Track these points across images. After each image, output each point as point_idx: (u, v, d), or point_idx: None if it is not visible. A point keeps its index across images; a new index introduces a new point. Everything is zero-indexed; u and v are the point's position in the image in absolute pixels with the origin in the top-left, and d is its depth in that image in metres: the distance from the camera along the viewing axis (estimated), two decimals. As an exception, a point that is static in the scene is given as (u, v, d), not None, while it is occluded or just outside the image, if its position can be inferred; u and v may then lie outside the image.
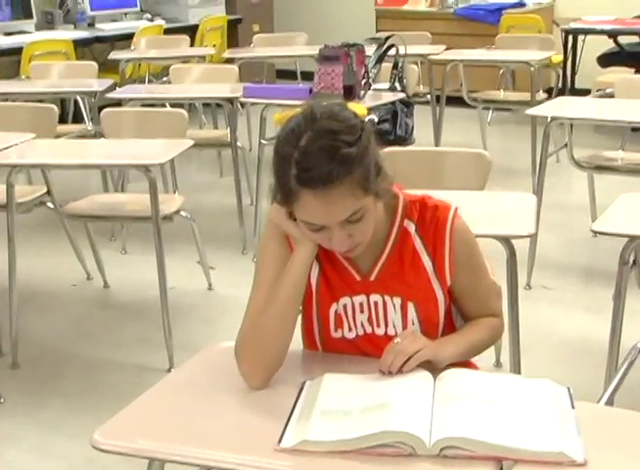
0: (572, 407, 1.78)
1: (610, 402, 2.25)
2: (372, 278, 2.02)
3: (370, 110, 4.67)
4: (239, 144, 5.46)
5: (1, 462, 3.25)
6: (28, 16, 7.57)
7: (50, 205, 4.53)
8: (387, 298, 2.02)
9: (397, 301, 2.02)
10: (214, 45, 7.89)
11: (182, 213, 4.28)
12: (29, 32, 7.49)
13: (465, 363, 2.09)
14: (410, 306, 2.02)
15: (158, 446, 1.76)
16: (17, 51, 6.99)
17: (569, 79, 7.38)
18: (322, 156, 1.81)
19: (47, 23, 7.85)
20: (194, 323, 4.24)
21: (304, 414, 1.76)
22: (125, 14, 8.19)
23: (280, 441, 1.69)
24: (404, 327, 2.02)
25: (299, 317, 2.04)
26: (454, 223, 2.02)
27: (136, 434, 1.80)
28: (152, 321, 3.99)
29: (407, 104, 5.26)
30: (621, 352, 2.99)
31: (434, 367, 1.89)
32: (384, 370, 1.85)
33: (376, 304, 2.02)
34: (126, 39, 7.61)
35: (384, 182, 1.93)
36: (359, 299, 2.03)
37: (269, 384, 1.92)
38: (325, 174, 1.80)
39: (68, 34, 7.61)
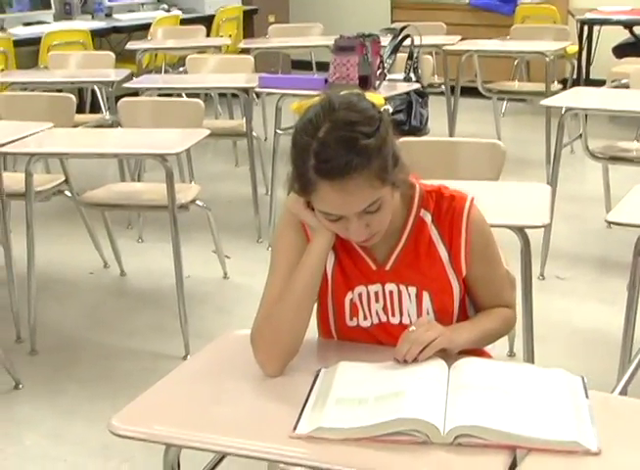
0: (586, 397, 1.78)
1: (624, 393, 2.25)
2: (387, 267, 2.02)
3: (385, 100, 4.67)
4: (254, 134, 5.46)
5: (20, 447, 3.27)
6: (47, 6, 7.59)
7: (68, 193, 4.56)
8: (402, 287, 2.02)
9: (412, 290, 2.02)
10: (230, 35, 7.90)
11: (198, 203, 4.29)
12: (48, 23, 7.50)
13: (479, 352, 2.10)
14: (425, 296, 2.02)
15: (175, 432, 1.77)
16: (35, 41, 7.01)
17: (584, 70, 7.37)
18: (340, 147, 1.81)
19: (65, 13, 7.87)
20: (209, 311, 4.26)
21: (320, 402, 1.77)
22: (142, 4, 8.20)
23: (295, 428, 1.69)
24: (419, 316, 2.02)
25: (315, 306, 2.05)
26: (471, 214, 2.02)
27: (153, 420, 1.81)
28: (168, 309, 4.01)
29: (422, 94, 5.26)
30: (635, 343, 2.99)
31: (447, 354, 1.90)
32: (399, 359, 1.85)
33: (391, 293, 2.03)
34: (143, 30, 7.63)
35: (401, 173, 1.92)
36: (375, 288, 2.03)
37: (285, 372, 1.93)
38: (343, 165, 1.80)
39: (85, 25, 7.63)
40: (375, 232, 1.94)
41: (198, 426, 1.77)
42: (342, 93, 1.96)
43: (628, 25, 7.21)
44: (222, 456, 1.98)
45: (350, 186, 1.82)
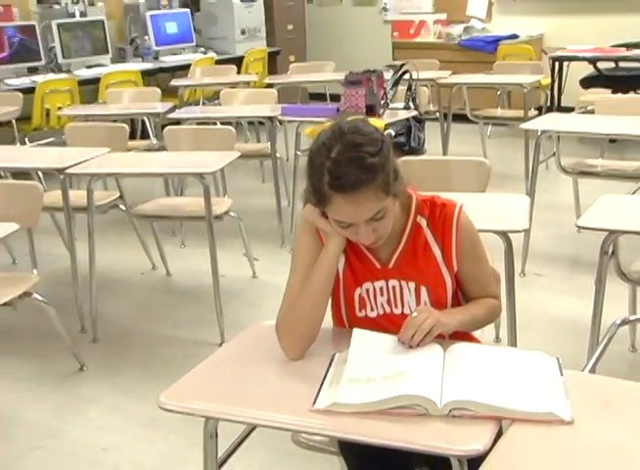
0: (561, 375, 1.77)
1: (592, 371, 2.24)
2: (390, 266, 2.01)
3: (388, 125, 4.67)
4: (278, 155, 5.45)
5: (85, 419, 3.28)
6: (105, 51, 7.63)
7: (122, 207, 4.57)
8: (403, 282, 2.01)
9: (412, 285, 2.01)
10: (257, 73, 7.91)
11: (231, 214, 4.29)
12: (106, 65, 7.54)
13: (469, 338, 2.09)
14: (423, 290, 2.01)
15: (212, 407, 1.77)
16: (95, 81, 7.05)
17: (556, 99, 7.35)
18: (350, 165, 1.80)
19: (120, 57, 7.90)
20: (241, 305, 4.25)
21: (334, 381, 1.76)
22: (183, 48, 8.22)
23: (314, 403, 1.69)
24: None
25: (329, 300, 2.04)
26: (460, 219, 2.01)
27: (194, 397, 1.81)
28: (206, 304, 4.00)
29: (419, 120, 5.25)
30: (602, 330, 2.97)
31: (442, 334, 1.89)
32: (405, 341, 1.84)
33: (394, 288, 2.02)
34: (184, 69, 7.65)
35: (400, 185, 1.92)
36: (379, 284, 2.02)
37: (305, 356, 1.92)
38: (353, 181, 1.80)
39: (136, 66, 7.66)
40: (380, 236, 1.93)
41: (232, 401, 1.77)
42: (349, 119, 1.95)
43: (592, 61, 7.21)
44: (253, 427, 1.98)
45: (360, 198, 1.81)
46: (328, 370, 1.83)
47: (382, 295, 2.02)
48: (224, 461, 1.95)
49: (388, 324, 2.01)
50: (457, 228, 2.00)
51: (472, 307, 2.06)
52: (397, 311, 2.02)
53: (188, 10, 8.40)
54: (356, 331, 1.92)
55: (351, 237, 1.94)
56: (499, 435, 1.59)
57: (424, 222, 2.02)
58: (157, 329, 4.09)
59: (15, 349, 3.91)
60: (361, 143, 1.83)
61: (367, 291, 2.03)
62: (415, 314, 1.88)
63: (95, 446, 3.09)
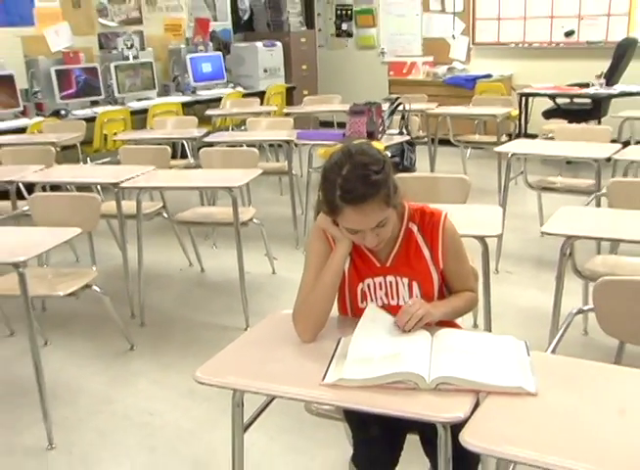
0: (528, 355, 1.77)
1: (553, 352, 2.22)
2: (388, 264, 2.00)
3: (385, 147, 4.66)
4: (293, 172, 5.44)
5: (134, 389, 3.29)
6: (152, 87, 7.64)
7: (165, 215, 4.58)
8: (398, 278, 2.00)
9: (405, 280, 2.00)
10: (277, 104, 7.90)
11: (254, 220, 4.29)
12: (153, 98, 7.55)
13: (453, 324, 2.08)
14: (414, 285, 2.00)
15: (239, 381, 1.77)
16: (144, 111, 7.06)
17: (523, 127, 7.34)
18: (358, 182, 1.80)
19: (164, 91, 7.91)
20: (262, 297, 4.24)
21: (340, 360, 1.76)
22: (216, 84, 8.22)
23: (323, 378, 1.69)
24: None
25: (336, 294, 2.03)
26: (445, 225, 2.00)
27: (224, 372, 1.80)
28: (233, 295, 4.00)
29: (411, 144, 5.27)
30: (561, 318, 2.95)
31: (429, 323, 1.89)
32: (400, 325, 1.84)
33: (390, 283, 2.00)
34: (217, 101, 7.66)
35: (398, 197, 1.91)
36: (379, 279, 2.01)
37: (316, 339, 1.92)
38: (361, 195, 1.80)
39: (178, 99, 7.67)
40: (382, 239, 1.93)
41: (255, 377, 1.76)
42: (355, 142, 1.95)
43: (552, 97, 7.22)
44: (272, 398, 1.97)
45: (366, 209, 1.81)
46: (335, 351, 1.82)
47: (380, 289, 2.01)
48: (248, 426, 1.95)
49: (386, 313, 2.00)
50: (443, 233, 1.99)
51: (453, 300, 2.05)
52: (394, 303, 2.01)
53: (220, 53, 8.40)
54: (371, 308, 1.93)
55: (358, 241, 1.93)
56: (477, 405, 1.59)
57: (415, 228, 2.01)
58: (193, 316, 4.08)
59: (78, 331, 3.92)
60: (367, 163, 1.83)
61: (368, 285, 2.01)
62: (409, 303, 1.88)
63: (143, 411, 3.09)
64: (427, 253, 2.00)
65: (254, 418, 1.99)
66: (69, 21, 7.20)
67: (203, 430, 2.93)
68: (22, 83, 6.56)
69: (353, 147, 1.89)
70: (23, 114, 6.55)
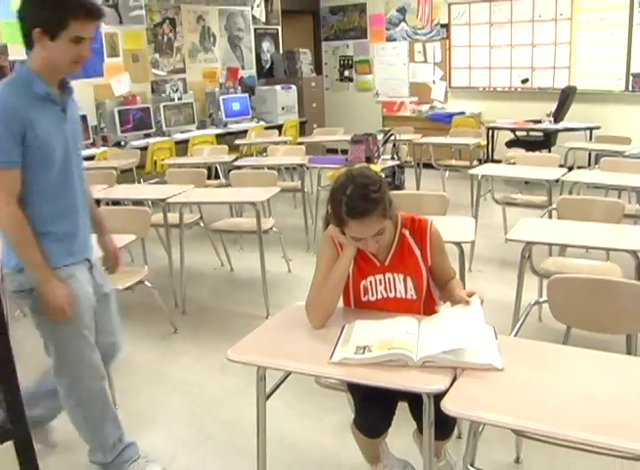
0: (496, 338, 1.76)
1: (516, 335, 2.20)
2: (386, 264, 1.99)
3: (381, 170, 4.67)
4: (305, 190, 5.43)
5: (178, 364, 3.28)
6: (192, 122, 7.64)
7: (201, 224, 4.57)
8: (395, 275, 1.98)
9: (401, 276, 1.98)
10: (292, 135, 7.89)
11: (273, 229, 4.27)
12: (193, 131, 7.55)
13: (437, 312, 2.04)
14: (409, 280, 1.98)
15: (262, 359, 1.77)
16: (186, 141, 7.05)
17: (490, 154, 7.33)
18: (360, 200, 1.81)
19: (202, 125, 7.89)
20: (281, 291, 4.21)
21: (344, 343, 1.75)
22: (243, 119, 8.22)
23: (330, 357, 1.69)
24: (406, 293, 1.98)
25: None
26: (432, 229, 2.00)
27: (250, 352, 1.79)
28: (257, 290, 3.98)
29: (401, 167, 5.27)
30: (521, 308, 2.94)
31: (418, 310, 1.91)
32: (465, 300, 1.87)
33: (389, 279, 1.99)
34: (244, 133, 7.64)
35: (394, 210, 1.91)
36: (379, 276, 1.99)
37: (325, 326, 1.90)
38: (363, 211, 1.80)
39: (212, 131, 7.65)
40: (381, 245, 1.92)
41: (275, 355, 1.76)
42: (357, 166, 1.95)
43: (512, 130, 7.23)
44: (289, 373, 1.96)
45: (367, 222, 1.82)
46: (340, 335, 1.81)
47: (380, 284, 1.99)
48: (269, 395, 1.94)
49: (384, 305, 1.99)
50: (431, 235, 1.99)
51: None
52: (391, 295, 1.99)
53: (247, 94, 8.40)
54: (358, 322, 1.88)
55: (361, 246, 1.93)
56: (455, 379, 1.58)
57: (407, 233, 2.00)
58: (224, 306, 4.07)
59: (133, 318, 3.89)
60: (367, 183, 1.83)
61: (370, 282, 2.00)
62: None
63: (185, 382, 3.09)
64: (418, 252, 1.99)
65: (274, 389, 1.98)
66: (130, 71, 7.25)
67: (233, 397, 2.92)
68: (92, 121, 6.66)
69: (355, 170, 1.89)
70: (93, 144, 6.60)
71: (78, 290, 2.06)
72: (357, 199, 1.80)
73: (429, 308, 2.00)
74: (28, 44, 1.89)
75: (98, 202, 4.62)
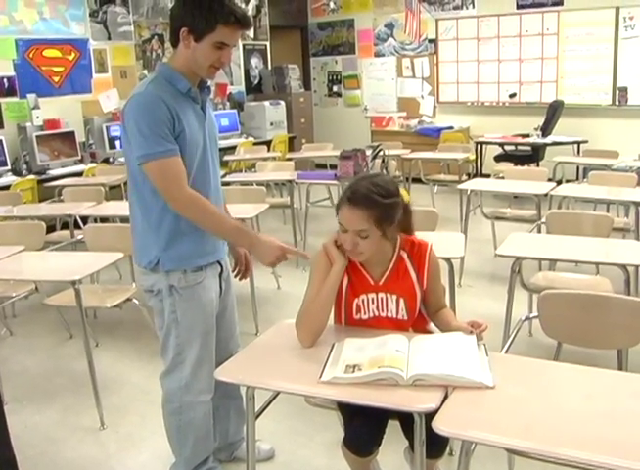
0: (487, 355, 1.75)
1: (507, 352, 2.20)
2: (380, 283, 1.97)
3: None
4: (295, 205, 5.42)
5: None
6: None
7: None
8: (388, 295, 1.97)
9: (394, 297, 1.96)
10: (280, 151, 7.90)
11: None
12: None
13: (427, 330, 2.04)
14: (401, 301, 1.96)
15: (251, 379, 1.75)
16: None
17: (478, 168, 7.37)
18: (362, 190, 1.85)
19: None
20: (270, 307, 4.20)
21: (334, 362, 1.73)
22: (232, 135, 8.23)
23: (320, 376, 1.67)
24: (397, 313, 1.97)
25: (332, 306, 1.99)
26: (430, 254, 1.99)
27: (239, 372, 1.79)
28: (246, 306, 3.95)
29: (389, 183, 5.24)
30: (512, 324, 2.93)
31: (407, 327, 1.91)
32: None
33: (382, 298, 1.97)
34: (233, 149, 7.65)
35: (393, 231, 1.91)
36: (372, 295, 1.97)
37: (315, 344, 1.89)
38: (356, 199, 1.84)
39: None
40: (360, 252, 1.89)
41: (263, 375, 1.75)
42: (386, 175, 1.97)
43: (501, 145, 7.27)
44: (277, 393, 1.93)
45: (356, 213, 1.83)
46: (330, 354, 1.79)
47: (373, 303, 1.97)
48: (259, 414, 1.91)
49: (375, 324, 1.97)
50: (429, 260, 1.97)
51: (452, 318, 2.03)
52: (383, 315, 1.98)
53: (236, 110, 8.44)
54: (348, 340, 1.87)
55: (341, 240, 1.91)
56: (446, 397, 1.57)
57: (405, 255, 1.98)
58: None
59: (122, 335, 3.88)
60: (379, 184, 1.86)
61: (362, 300, 1.98)
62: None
63: (174, 402, 3.04)
64: (413, 275, 1.97)
65: (264, 408, 1.96)
66: (118, 87, 7.26)
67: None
68: (80, 137, 6.64)
69: (382, 175, 1.94)
70: (81, 161, 6.59)
71: (205, 297, 2.11)
72: (361, 188, 1.84)
73: (419, 328, 1.99)
74: (174, 42, 1.96)
75: (85, 219, 4.63)
